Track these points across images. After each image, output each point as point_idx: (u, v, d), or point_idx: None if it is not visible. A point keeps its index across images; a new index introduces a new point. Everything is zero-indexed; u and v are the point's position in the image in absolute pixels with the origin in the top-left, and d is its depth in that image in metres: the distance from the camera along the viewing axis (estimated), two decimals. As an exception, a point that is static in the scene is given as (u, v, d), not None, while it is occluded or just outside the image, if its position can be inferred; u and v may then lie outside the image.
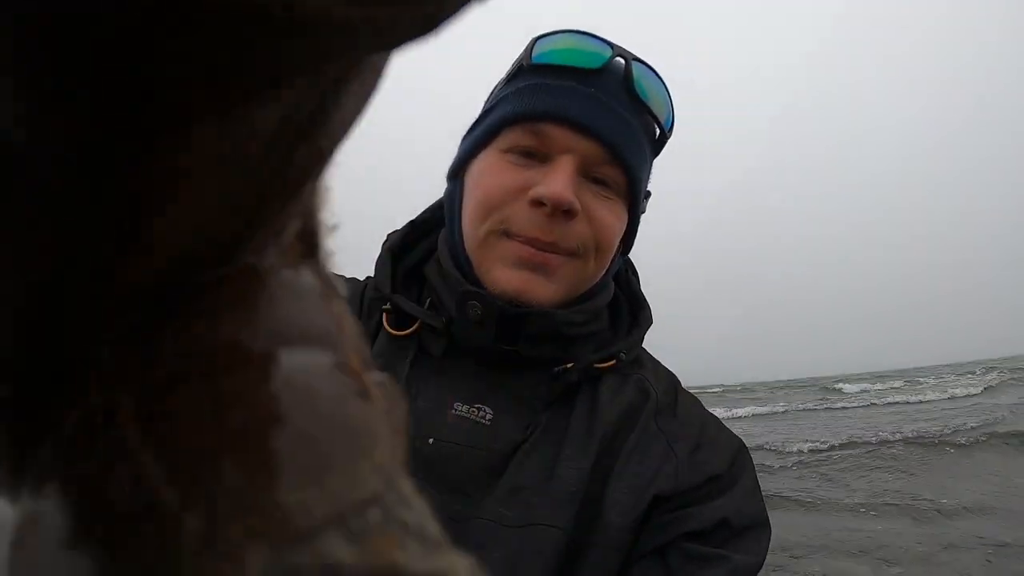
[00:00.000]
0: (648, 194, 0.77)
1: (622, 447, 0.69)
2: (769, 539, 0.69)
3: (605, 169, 0.69)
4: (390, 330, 0.73)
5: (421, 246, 0.80)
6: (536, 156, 0.68)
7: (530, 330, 0.69)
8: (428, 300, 0.75)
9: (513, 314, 0.68)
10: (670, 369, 0.81)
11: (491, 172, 0.69)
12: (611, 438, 0.69)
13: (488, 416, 0.69)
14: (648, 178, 0.76)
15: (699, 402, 0.79)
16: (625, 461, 0.68)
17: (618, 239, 0.73)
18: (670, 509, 0.67)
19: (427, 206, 0.83)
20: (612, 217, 0.70)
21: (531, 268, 0.67)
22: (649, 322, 0.80)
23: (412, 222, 0.82)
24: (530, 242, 0.67)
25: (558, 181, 0.65)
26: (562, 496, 0.65)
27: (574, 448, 0.68)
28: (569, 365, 0.71)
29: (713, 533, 0.66)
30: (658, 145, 0.76)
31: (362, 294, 0.78)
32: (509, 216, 0.67)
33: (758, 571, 0.67)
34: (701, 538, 0.66)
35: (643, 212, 0.77)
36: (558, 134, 0.67)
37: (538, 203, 0.66)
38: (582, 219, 0.68)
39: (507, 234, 0.68)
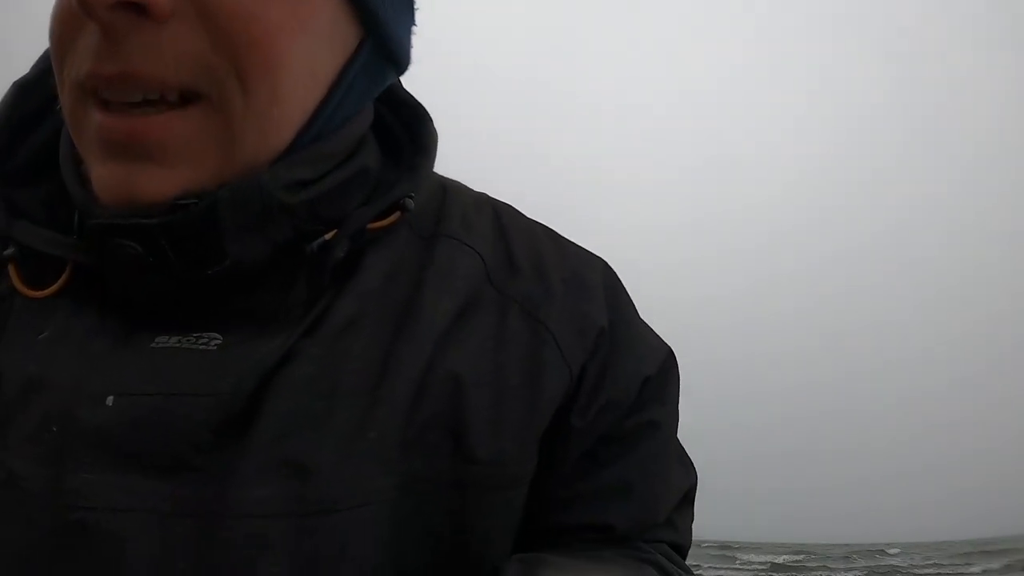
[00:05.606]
0: None
1: (453, 351, 0.43)
2: (678, 376, 0.53)
3: None
4: (25, 290, 0.41)
5: (44, 126, 0.45)
6: None
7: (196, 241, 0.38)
8: (76, 215, 0.42)
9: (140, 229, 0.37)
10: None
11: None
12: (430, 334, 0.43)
13: (216, 341, 0.40)
14: None
15: (528, 219, 0.54)
16: (475, 377, 0.43)
17: (292, 39, 0.37)
18: (581, 414, 0.47)
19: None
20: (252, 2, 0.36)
21: (120, 153, 0.37)
22: (434, 138, 0.49)
23: (17, 84, 0.45)
24: (94, 91, 0.37)
25: None
26: (368, 451, 0.40)
27: (354, 376, 0.41)
28: (329, 236, 0.41)
29: (640, 396, 0.49)
30: None
31: None
32: (74, 56, 0.37)
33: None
34: (628, 411, 0.49)
35: None
36: None
37: (85, 8, 0.34)
38: (185, 18, 0.35)
39: (82, 88, 0.37)
